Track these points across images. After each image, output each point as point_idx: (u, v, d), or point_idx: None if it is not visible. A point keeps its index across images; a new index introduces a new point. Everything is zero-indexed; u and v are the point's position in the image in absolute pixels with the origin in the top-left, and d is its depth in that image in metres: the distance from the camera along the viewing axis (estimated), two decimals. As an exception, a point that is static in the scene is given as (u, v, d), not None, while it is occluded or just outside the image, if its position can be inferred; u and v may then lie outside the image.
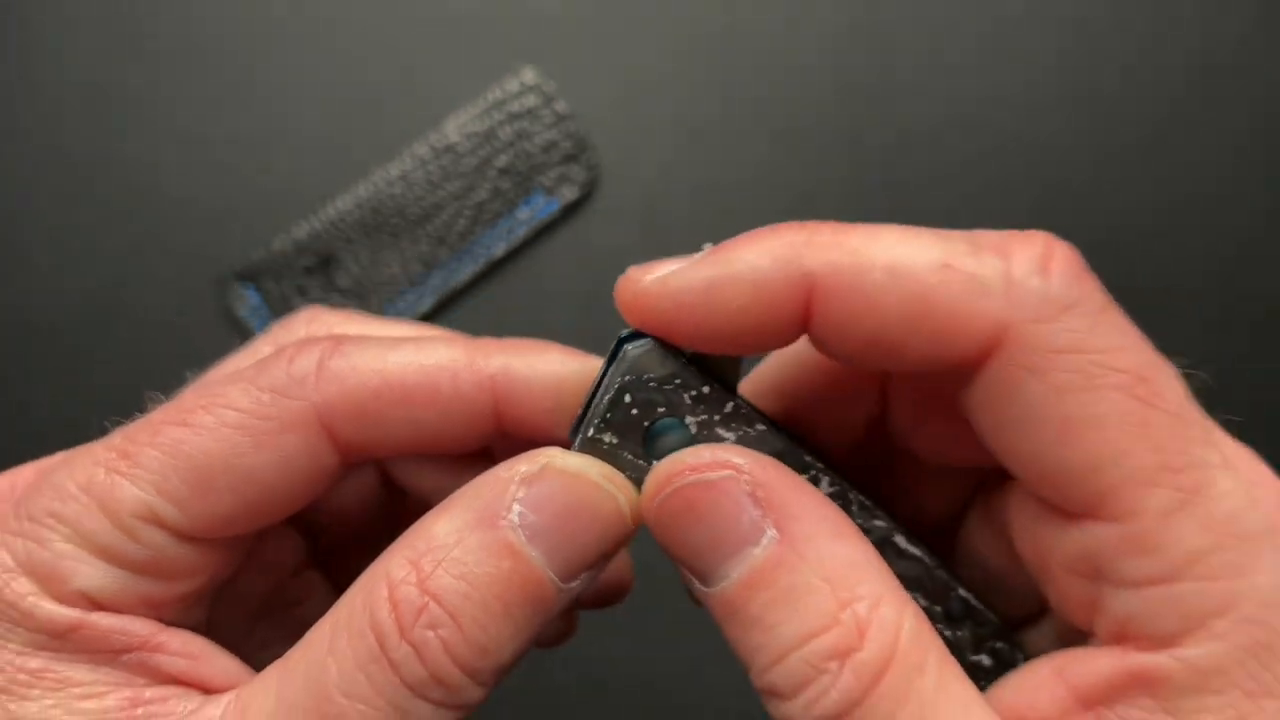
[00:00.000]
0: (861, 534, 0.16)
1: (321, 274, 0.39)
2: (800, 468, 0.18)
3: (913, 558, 0.18)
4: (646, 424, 0.18)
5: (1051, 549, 0.17)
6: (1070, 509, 0.16)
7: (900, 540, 0.18)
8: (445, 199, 0.39)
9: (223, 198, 0.39)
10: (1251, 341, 0.40)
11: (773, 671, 0.16)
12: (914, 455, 0.20)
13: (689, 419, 0.18)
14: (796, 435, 0.18)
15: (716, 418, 0.18)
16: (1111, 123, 0.40)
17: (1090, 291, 0.15)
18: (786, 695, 0.16)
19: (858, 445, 0.20)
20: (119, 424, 0.19)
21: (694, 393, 0.18)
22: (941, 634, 0.16)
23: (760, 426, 0.18)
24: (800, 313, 0.16)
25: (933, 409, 0.19)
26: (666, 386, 0.18)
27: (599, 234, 0.39)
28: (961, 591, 0.18)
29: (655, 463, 0.17)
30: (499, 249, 0.39)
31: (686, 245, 0.41)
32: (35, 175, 0.39)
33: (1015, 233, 0.16)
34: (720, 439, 0.18)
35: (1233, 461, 0.15)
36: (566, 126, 0.39)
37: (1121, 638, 0.16)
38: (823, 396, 0.20)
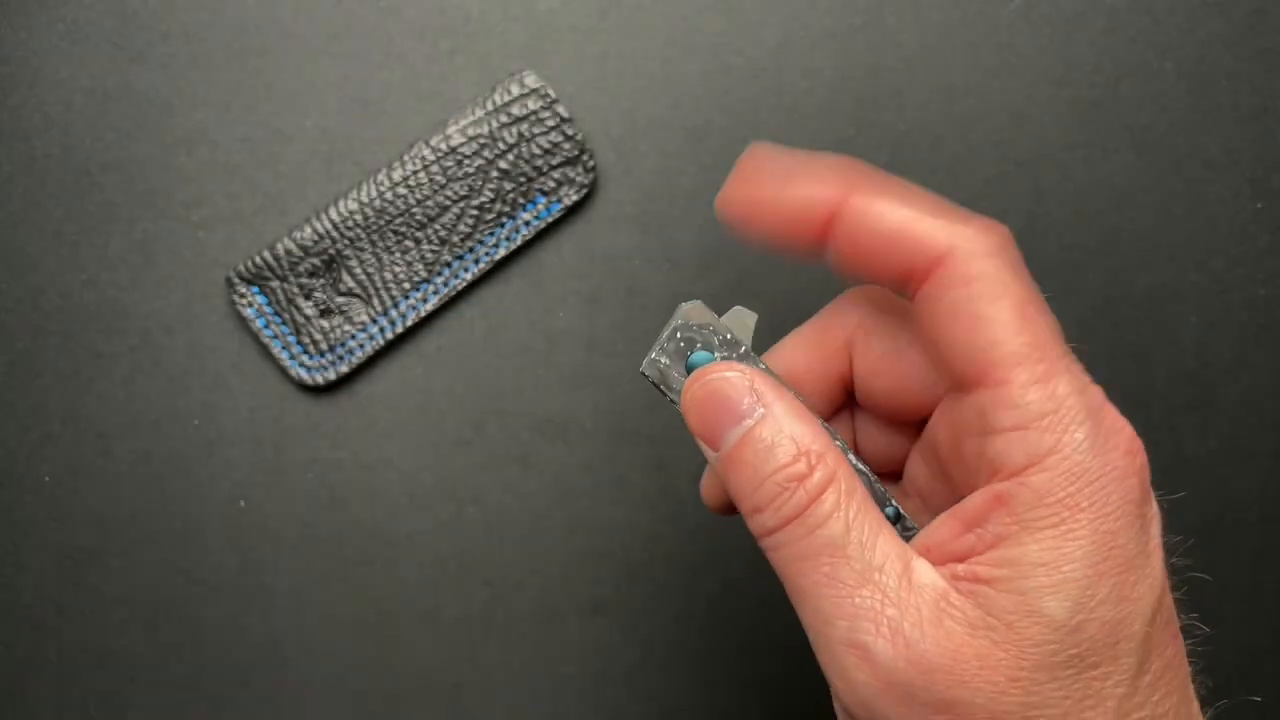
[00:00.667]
0: (817, 420, 0.25)
1: (326, 275, 0.39)
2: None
3: (861, 471, 0.27)
4: (688, 353, 0.27)
5: (958, 424, 0.25)
6: (970, 382, 0.23)
7: (852, 457, 0.26)
8: (448, 201, 0.39)
9: (228, 200, 0.40)
10: (1245, 343, 0.40)
11: (756, 494, 0.24)
12: (874, 413, 0.29)
13: (715, 354, 0.27)
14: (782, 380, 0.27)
15: (733, 356, 0.27)
16: (1108, 124, 0.41)
17: (1011, 257, 0.24)
18: (763, 508, 0.24)
19: (832, 407, 0.29)
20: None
21: (720, 337, 0.27)
22: None
23: (760, 367, 0.27)
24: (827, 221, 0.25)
25: (883, 371, 0.27)
26: (704, 330, 0.27)
27: (600, 236, 0.40)
28: (893, 502, 0.27)
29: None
30: (501, 251, 0.39)
31: (687, 246, 0.41)
32: (40, 177, 0.40)
33: (982, 217, 0.24)
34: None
35: (1073, 370, 0.23)
36: (568, 129, 0.39)
37: (991, 475, 0.23)
38: (807, 365, 0.28)
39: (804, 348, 0.28)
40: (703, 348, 0.27)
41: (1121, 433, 0.23)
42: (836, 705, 0.25)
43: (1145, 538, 0.23)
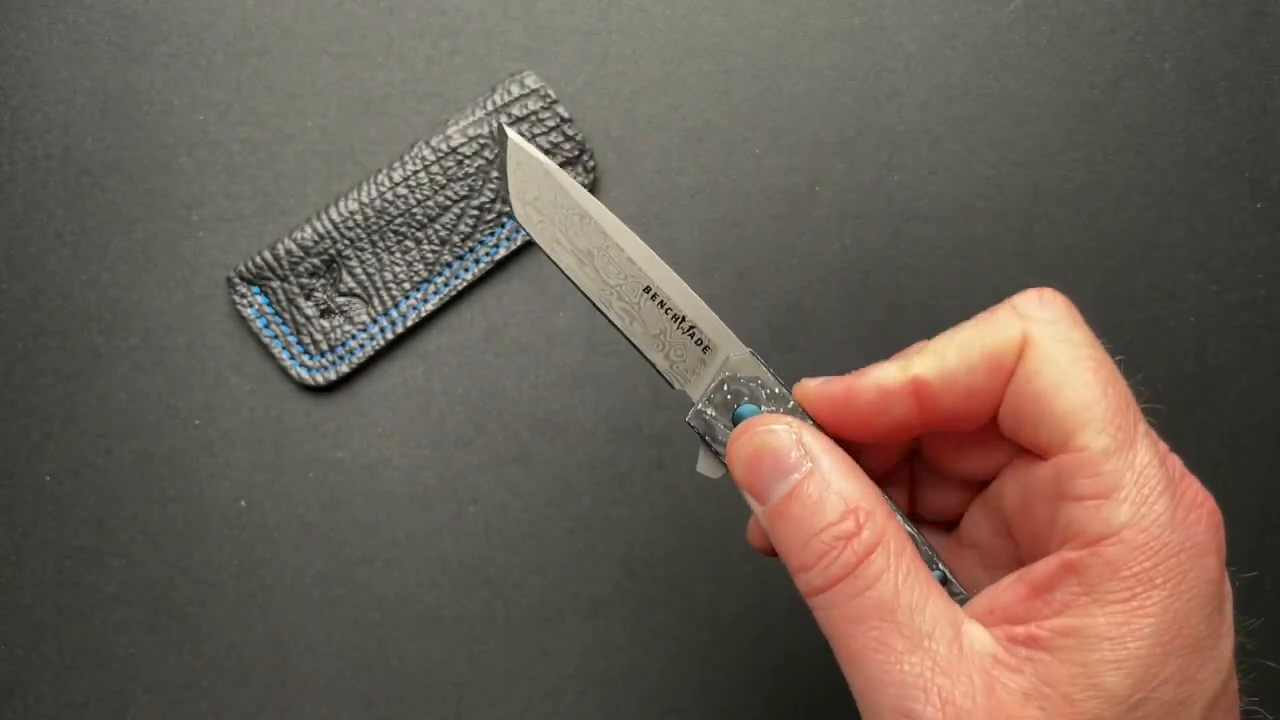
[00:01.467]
0: (866, 476, 0.24)
1: (327, 275, 0.39)
2: None
3: (909, 533, 0.26)
4: (735, 406, 0.27)
5: (1030, 486, 0.24)
6: (1050, 449, 0.23)
7: (900, 517, 0.26)
8: (449, 201, 0.39)
9: (228, 200, 0.40)
10: (1245, 343, 0.40)
11: (803, 551, 0.24)
12: (937, 471, 0.28)
13: (763, 407, 0.27)
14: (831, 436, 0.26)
15: (781, 410, 0.27)
16: (1108, 124, 0.41)
17: (1066, 307, 0.24)
18: (810, 566, 0.23)
19: (890, 469, 0.28)
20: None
21: (768, 391, 0.27)
22: None
23: (808, 422, 0.26)
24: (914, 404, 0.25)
25: (961, 440, 0.27)
26: (752, 384, 0.27)
27: (601, 236, 0.40)
28: (941, 564, 0.26)
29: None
30: (502, 251, 0.39)
31: (687, 246, 0.41)
32: (41, 177, 0.40)
33: (1028, 289, 0.25)
34: None
35: (1152, 438, 0.23)
36: (568, 130, 0.39)
37: (1063, 543, 0.23)
38: (873, 433, 0.27)
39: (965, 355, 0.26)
40: (750, 400, 0.27)
41: (1202, 507, 0.23)
42: None
43: (1218, 619, 0.22)
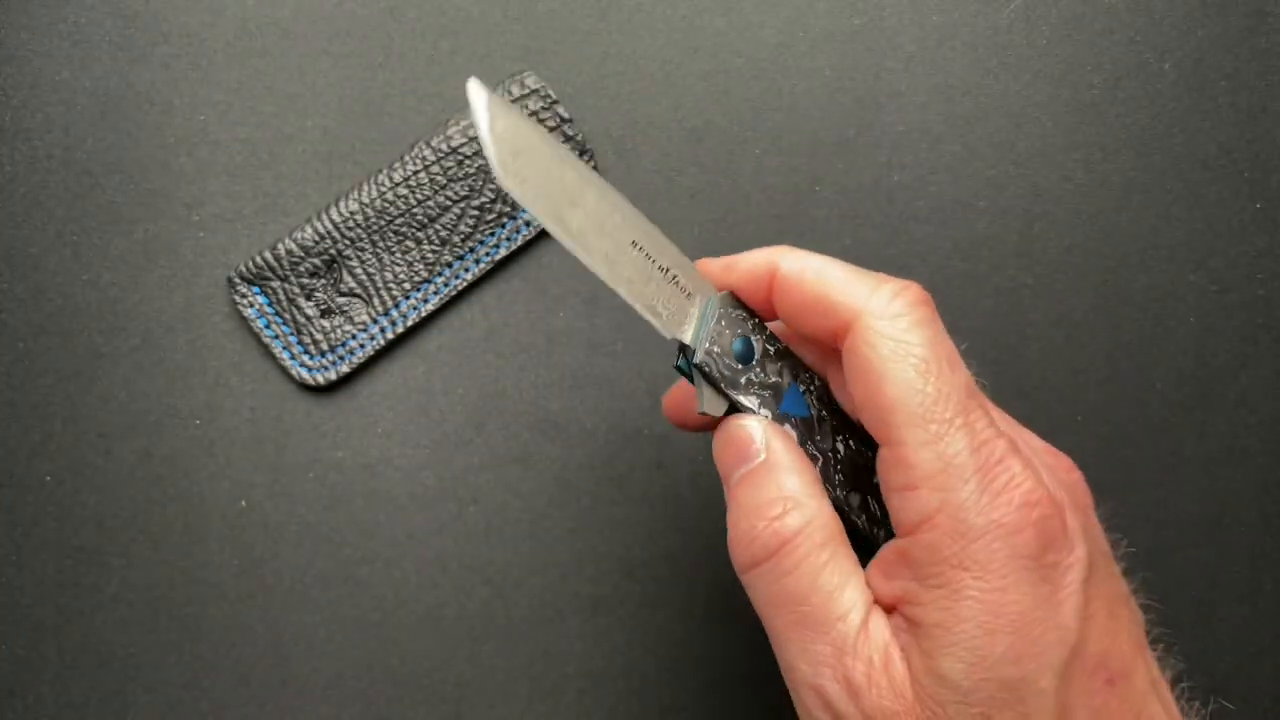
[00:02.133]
0: (811, 468, 0.27)
1: (327, 275, 0.39)
2: (801, 369, 0.29)
3: (816, 403, 0.28)
4: (732, 340, 0.28)
5: (879, 470, 0.26)
6: (878, 439, 0.25)
7: (814, 386, 0.29)
8: (449, 201, 0.39)
9: (229, 200, 0.40)
10: (1245, 343, 0.40)
11: (736, 529, 0.26)
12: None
13: (752, 336, 0.28)
14: (797, 357, 0.29)
15: (765, 335, 0.28)
16: (1108, 124, 0.41)
17: (921, 315, 0.25)
18: (741, 544, 0.26)
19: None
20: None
21: (751, 321, 0.28)
22: (865, 505, 0.28)
23: (782, 345, 0.29)
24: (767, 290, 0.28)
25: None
26: (737, 315, 0.28)
27: (601, 236, 0.40)
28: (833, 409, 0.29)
29: (740, 366, 0.28)
30: (502, 251, 0.39)
31: (687, 246, 0.41)
32: (42, 177, 0.40)
33: (899, 279, 0.26)
34: (767, 349, 0.28)
35: (973, 427, 0.24)
36: (568, 130, 0.39)
37: (898, 529, 0.24)
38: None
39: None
40: (741, 334, 0.28)
41: (1016, 488, 0.23)
42: None
43: (1048, 590, 0.23)
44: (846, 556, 0.25)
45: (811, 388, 0.29)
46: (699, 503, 0.39)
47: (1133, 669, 0.24)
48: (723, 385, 0.28)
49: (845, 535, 0.26)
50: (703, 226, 0.40)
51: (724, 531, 0.39)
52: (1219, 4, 0.41)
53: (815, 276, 0.26)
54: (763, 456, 0.26)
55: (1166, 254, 0.40)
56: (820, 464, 0.28)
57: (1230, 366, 0.40)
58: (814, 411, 0.28)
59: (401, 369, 0.40)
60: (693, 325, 0.28)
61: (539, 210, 0.24)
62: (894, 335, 0.24)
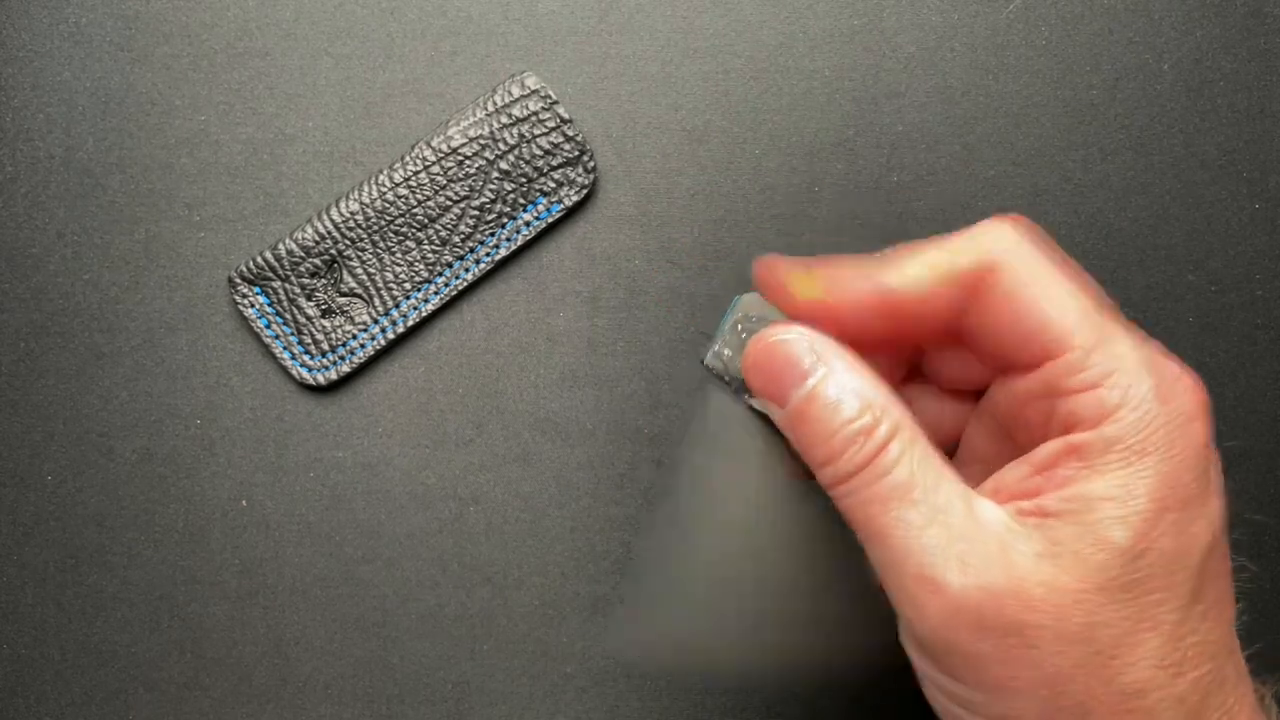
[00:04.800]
0: (877, 375, 0.26)
1: (328, 275, 0.39)
2: None
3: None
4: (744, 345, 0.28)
5: (1022, 395, 0.26)
6: (1036, 360, 0.26)
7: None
8: (449, 202, 0.39)
9: (229, 200, 0.40)
10: (1245, 343, 0.40)
11: (826, 446, 0.26)
12: (936, 384, 0.30)
13: None
14: None
15: None
16: (1107, 124, 0.41)
17: (1038, 237, 0.26)
18: (834, 459, 0.25)
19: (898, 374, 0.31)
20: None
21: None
22: None
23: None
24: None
25: (953, 352, 0.29)
26: (764, 322, 0.28)
27: (600, 236, 0.40)
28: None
29: None
30: (502, 251, 0.39)
31: (686, 247, 0.42)
32: (43, 177, 0.40)
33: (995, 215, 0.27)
34: None
35: (1128, 327, 0.25)
36: (568, 130, 0.39)
37: (1063, 431, 0.25)
38: (878, 349, 0.29)
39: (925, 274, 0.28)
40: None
41: (1183, 379, 0.25)
42: (907, 640, 0.26)
43: (1205, 480, 0.25)
44: (936, 453, 0.26)
45: None
46: (699, 503, 0.39)
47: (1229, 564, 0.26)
48: (734, 389, 0.28)
49: (921, 428, 0.26)
50: (703, 226, 0.40)
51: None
52: (1219, 4, 0.41)
53: (930, 258, 0.27)
54: (824, 369, 0.26)
55: (1166, 254, 0.40)
56: None
57: (1230, 366, 0.40)
58: None
59: (401, 369, 0.40)
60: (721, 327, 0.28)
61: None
62: (1032, 256, 0.26)
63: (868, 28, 0.41)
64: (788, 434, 0.27)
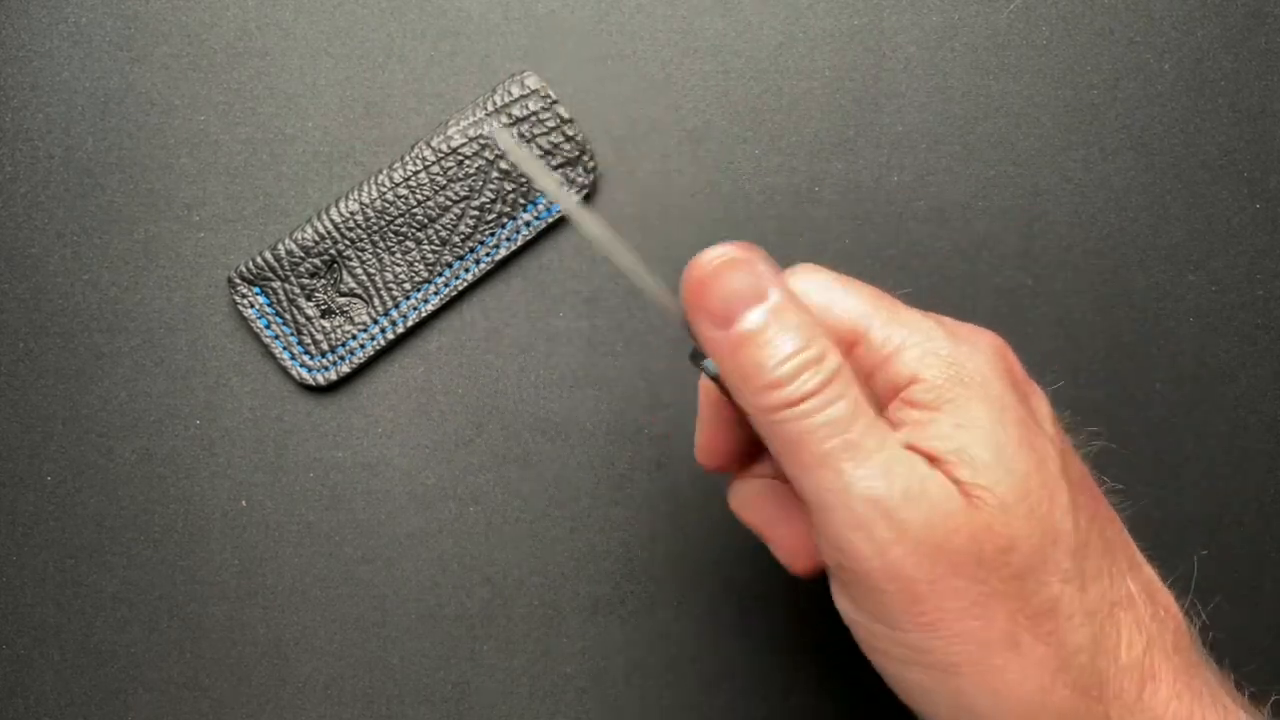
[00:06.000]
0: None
1: (327, 276, 0.39)
2: None
3: None
4: None
5: (862, 376, 0.27)
6: (849, 347, 0.27)
7: None
8: (449, 202, 0.39)
9: (229, 200, 0.40)
10: (1245, 343, 0.40)
11: (780, 369, 0.26)
12: None
13: None
14: None
15: None
16: (1108, 124, 0.41)
17: (824, 273, 0.29)
18: (787, 381, 0.25)
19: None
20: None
21: None
22: None
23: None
24: None
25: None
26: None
27: (601, 236, 0.40)
28: None
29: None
30: (502, 251, 0.39)
31: (686, 247, 0.42)
32: (43, 177, 0.40)
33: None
34: None
35: (912, 309, 0.27)
36: (568, 130, 0.39)
37: (893, 395, 0.27)
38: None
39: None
40: None
41: (980, 333, 0.27)
42: (843, 592, 0.27)
43: (1026, 402, 0.27)
44: (866, 391, 0.27)
45: None
46: (699, 503, 0.39)
47: (1102, 497, 0.28)
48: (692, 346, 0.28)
49: None
50: (703, 226, 0.40)
51: (725, 532, 0.39)
52: (1219, 4, 0.41)
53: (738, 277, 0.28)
54: (778, 295, 0.26)
55: (1166, 254, 0.40)
56: None
57: (1230, 366, 0.40)
58: None
59: (401, 369, 0.40)
60: None
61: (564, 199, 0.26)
62: (828, 280, 0.28)
63: (868, 28, 0.41)
64: (728, 359, 0.26)
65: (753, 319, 0.26)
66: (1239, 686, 0.28)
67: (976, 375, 0.26)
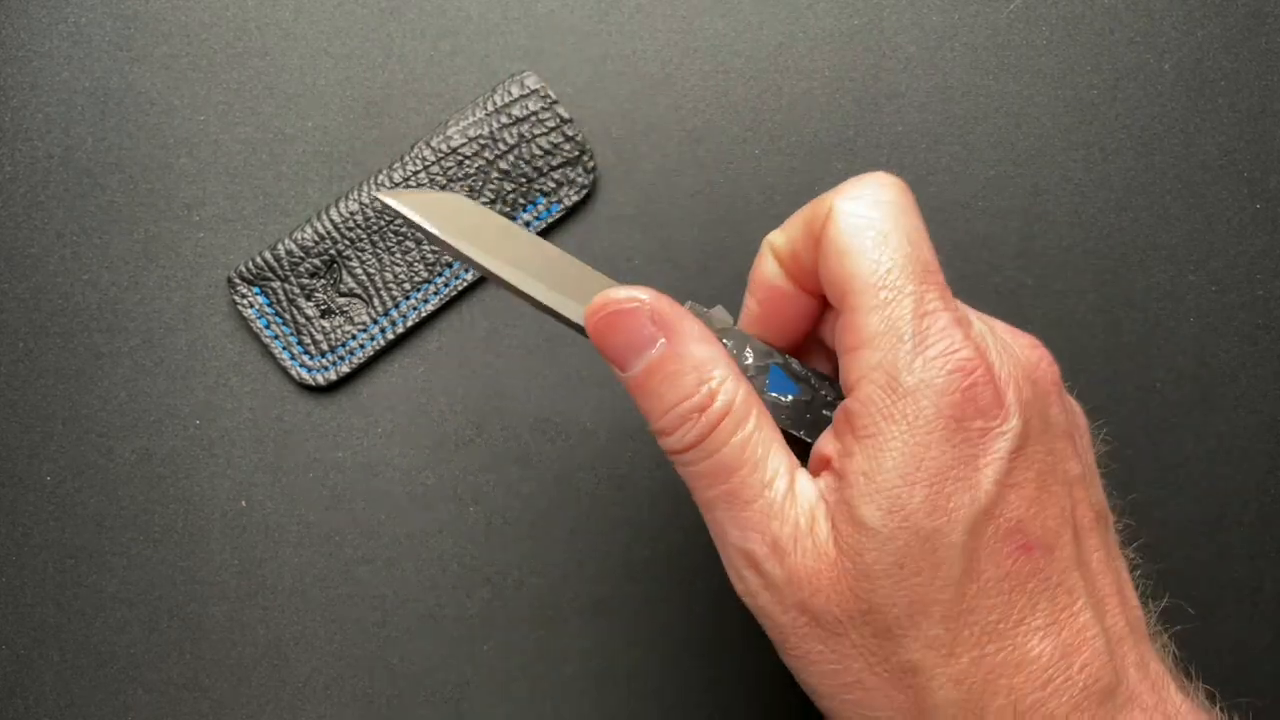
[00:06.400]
0: (718, 341, 0.27)
1: (327, 276, 0.39)
2: (773, 352, 0.29)
3: (803, 374, 0.29)
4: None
5: (836, 340, 0.27)
6: (838, 309, 0.26)
7: (795, 364, 0.29)
8: (449, 201, 0.39)
9: (229, 200, 0.40)
10: (1245, 343, 0.40)
11: (661, 420, 0.26)
12: (824, 344, 0.30)
13: (725, 340, 0.28)
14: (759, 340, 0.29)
15: (749, 349, 0.28)
16: (1108, 124, 0.41)
17: (886, 195, 0.26)
18: (669, 432, 0.26)
19: (795, 346, 0.30)
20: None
21: (750, 342, 0.29)
22: (812, 400, 0.28)
23: (740, 332, 0.29)
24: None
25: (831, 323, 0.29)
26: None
27: (600, 236, 0.40)
28: (812, 379, 0.29)
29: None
30: (502, 251, 0.39)
31: (687, 246, 0.42)
32: (42, 177, 0.40)
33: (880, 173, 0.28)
34: (725, 342, 0.28)
35: (924, 298, 0.25)
36: (568, 130, 0.39)
37: (845, 391, 0.26)
38: (785, 320, 0.29)
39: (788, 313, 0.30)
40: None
41: (951, 354, 0.24)
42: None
43: (970, 452, 0.24)
44: (767, 423, 0.26)
45: (789, 364, 0.29)
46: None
47: (1056, 543, 0.25)
48: None
49: (760, 401, 0.27)
50: (703, 226, 0.40)
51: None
52: (1219, 4, 0.41)
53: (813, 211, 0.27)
54: (663, 341, 0.26)
55: (1166, 254, 0.40)
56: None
57: (1230, 366, 0.40)
58: (803, 385, 0.29)
59: (401, 369, 0.40)
60: None
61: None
62: (856, 212, 0.26)
63: (868, 28, 0.41)
64: (633, 396, 0.27)
65: (636, 367, 0.26)
66: (1211, 698, 0.27)
67: (910, 410, 0.24)
